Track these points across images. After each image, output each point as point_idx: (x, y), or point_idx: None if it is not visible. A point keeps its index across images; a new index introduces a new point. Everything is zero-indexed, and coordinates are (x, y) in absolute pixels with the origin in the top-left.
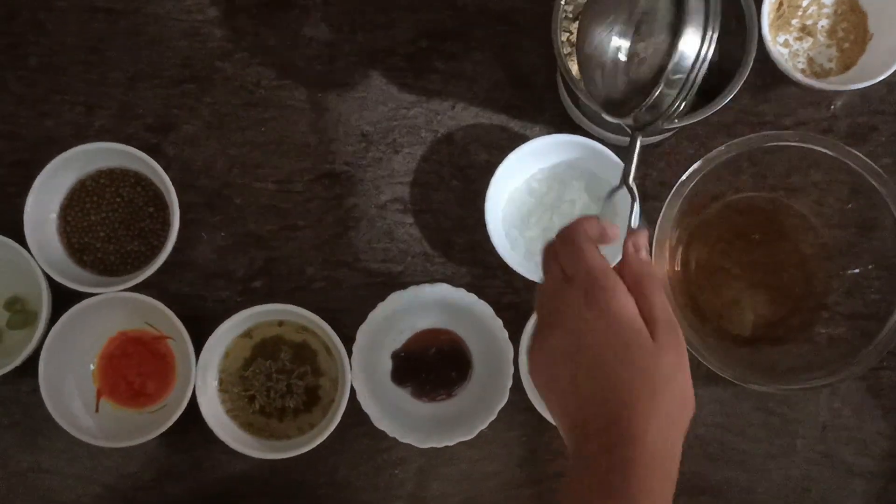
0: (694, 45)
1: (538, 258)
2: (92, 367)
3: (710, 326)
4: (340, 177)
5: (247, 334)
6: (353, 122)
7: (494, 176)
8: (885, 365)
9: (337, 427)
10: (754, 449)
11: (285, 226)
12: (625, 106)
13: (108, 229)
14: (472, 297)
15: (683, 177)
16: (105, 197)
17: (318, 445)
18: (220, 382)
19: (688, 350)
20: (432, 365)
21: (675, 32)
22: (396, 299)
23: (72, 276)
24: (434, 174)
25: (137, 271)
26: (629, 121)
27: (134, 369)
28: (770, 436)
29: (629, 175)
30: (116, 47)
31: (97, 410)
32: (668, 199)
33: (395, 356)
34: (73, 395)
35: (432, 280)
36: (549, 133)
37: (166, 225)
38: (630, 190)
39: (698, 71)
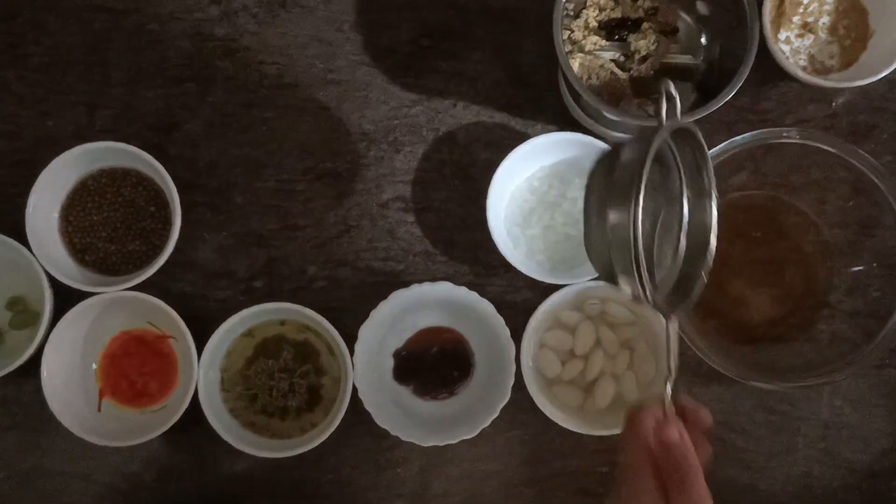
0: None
1: (539, 256)
2: (94, 366)
3: (711, 324)
4: (342, 176)
5: (249, 333)
6: (354, 121)
7: (496, 174)
8: (887, 363)
9: (339, 426)
10: (756, 447)
11: (287, 225)
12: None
13: (109, 229)
14: (473, 296)
15: None
16: (106, 196)
17: (320, 444)
18: (222, 382)
19: (689, 348)
20: (434, 363)
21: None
22: (398, 298)
23: (73, 275)
24: (435, 173)
25: (139, 271)
26: (660, 308)
27: (136, 369)
28: (772, 434)
29: (671, 369)
30: (118, 47)
31: (99, 410)
32: None
33: (397, 355)
34: (75, 395)
35: (434, 279)
36: (551, 131)
37: (168, 224)
38: (669, 371)
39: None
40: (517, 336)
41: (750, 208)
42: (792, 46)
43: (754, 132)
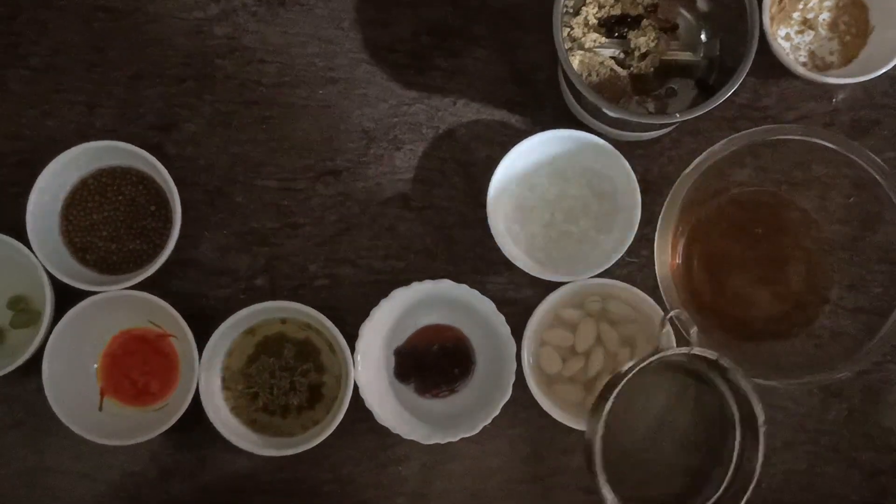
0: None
1: (540, 254)
2: (95, 365)
3: (713, 321)
4: (342, 174)
5: (250, 332)
6: (354, 119)
7: (496, 172)
8: (889, 359)
9: (340, 424)
10: None
11: (287, 223)
12: None
13: (110, 228)
14: (474, 294)
15: (686, 171)
16: (107, 196)
17: (322, 442)
18: (224, 380)
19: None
20: (435, 361)
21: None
22: (399, 296)
23: (74, 274)
24: (436, 171)
25: (140, 270)
26: None
27: (137, 367)
28: (774, 430)
29: None
30: (118, 46)
31: (101, 409)
32: (670, 194)
33: (398, 353)
34: (76, 394)
35: (435, 276)
36: (551, 129)
37: (168, 223)
38: None
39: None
40: (518, 333)
41: (751, 205)
42: (792, 43)
43: (755, 129)
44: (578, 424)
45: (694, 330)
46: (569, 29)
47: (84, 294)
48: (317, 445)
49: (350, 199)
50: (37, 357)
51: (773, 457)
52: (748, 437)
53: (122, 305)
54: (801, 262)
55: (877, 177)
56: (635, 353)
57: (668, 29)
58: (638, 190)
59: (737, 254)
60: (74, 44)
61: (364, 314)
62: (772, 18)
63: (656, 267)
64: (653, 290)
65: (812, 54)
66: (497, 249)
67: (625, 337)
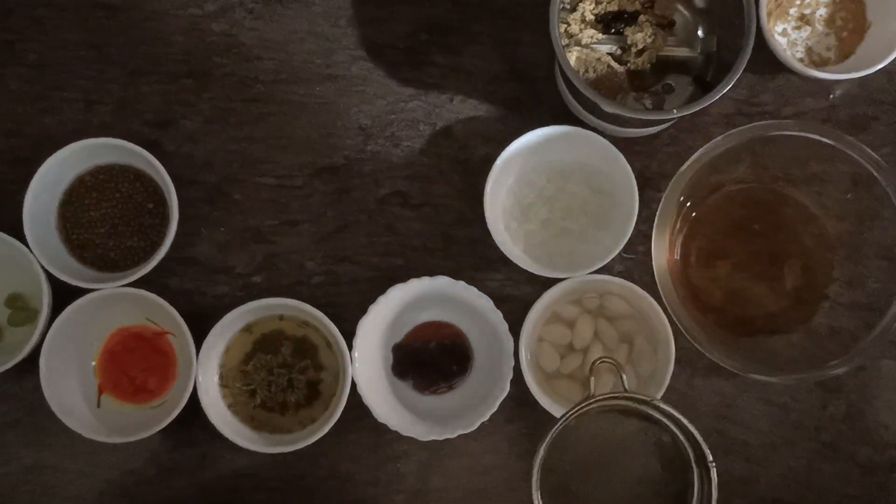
0: None
1: (537, 251)
2: (93, 363)
3: (710, 317)
4: (340, 171)
5: (247, 329)
6: (351, 115)
7: (493, 169)
8: (887, 355)
9: (338, 421)
10: (756, 440)
11: (285, 221)
12: None
13: (107, 225)
14: (472, 290)
15: (683, 167)
16: (104, 193)
17: (320, 439)
18: (221, 377)
19: (689, 341)
20: (433, 358)
21: None
22: (397, 293)
23: (72, 272)
24: (433, 167)
25: (137, 267)
26: None
27: (135, 365)
28: (771, 426)
29: None
30: (115, 43)
31: (99, 406)
32: (667, 190)
33: (396, 349)
34: (74, 392)
35: (432, 273)
36: (548, 125)
37: (166, 220)
38: None
39: None
40: (516, 330)
41: (748, 201)
42: (789, 39)
43: (752, 125)
44: None
45: (624, 376)
46: (565, 25)
47: (81, 291)
48: (315, 442)
49: (348, 196)
50: (34, 355)
51: (771, 453)
52: (704, 475)
53: (119, 303)
54: (799, 259)
55: (874, 173)
56: (633, 350)
57: (665, 25)
58: (635, 186)
59: (734, 250)
60: (71, 41)
61: (362, 311)
62: (769, 14)
63: (654, 263)
64: (650, 287)
65: (809, 50)
66: (495, 246)
67: (622, 333)
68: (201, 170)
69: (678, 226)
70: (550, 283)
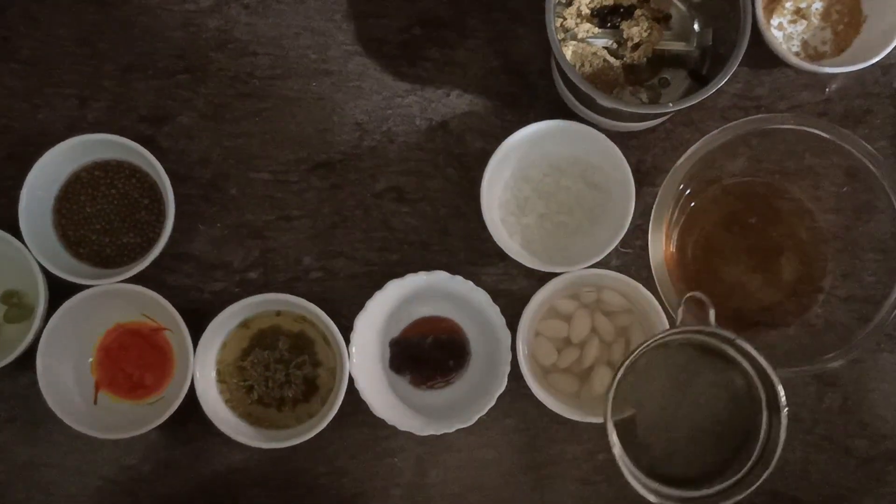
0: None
1: (534, 245)
2: (90, 359)
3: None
4: (336, 166)
5: (244, 325)
6: (347, 111)
7: (490, 163)
8: (882, 347)
9: (335, 416)
10: None
11: (281, 216)
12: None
13: (103, 221)
14: (469, 285)
15: (679, 161)
16: (100, 189)
17: (317, 435)
18: (218, 373)
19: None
20: (430, 353)
21: None
22: (393, 288)
23: (68, 268)
24: (429, 162)
25: (133, 263)
26: None
27: (132, 361)
28: None
29: None
30: (109, 39)
31: (95, 402)
32: (663, 184)
33: (393, 344)
34: (71, 388)
35: (429, 268)
36: (544, 119)
37: (162, 216)
38: None
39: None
40: (512, 325)
41: (744, 194)
42: (785, 32)
43: (748, 118)
44: (573, 415)
45: (712, 312)
46: (561, 19)
47: (78, 288)
48: (312, 438)
49: (344, 191)
50: (31, 351)
51: None
52: (773, 420)
53: (116, 299)
54: (795, 252)
55: (870, 166)
56: (630, 344)
57: (661, 19)
58: (632, 180)
59: (731, 243)
60: (65, 37)
61: (358, 306)
62: (764, 8)
63: (650, 257)
64: (647, 281)
65: (805, 44)
66: (491, 241)
67: (619, 327)
68: (197, 166)
69: (674, 220)
70: (547, 277)
